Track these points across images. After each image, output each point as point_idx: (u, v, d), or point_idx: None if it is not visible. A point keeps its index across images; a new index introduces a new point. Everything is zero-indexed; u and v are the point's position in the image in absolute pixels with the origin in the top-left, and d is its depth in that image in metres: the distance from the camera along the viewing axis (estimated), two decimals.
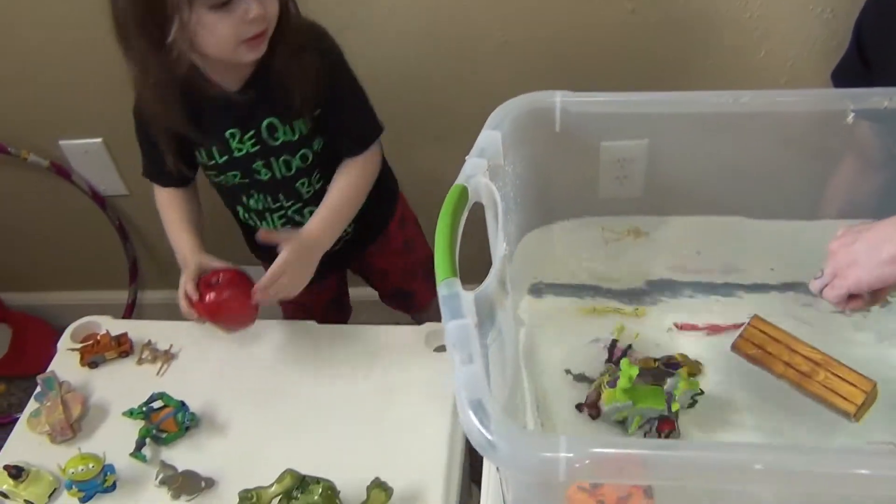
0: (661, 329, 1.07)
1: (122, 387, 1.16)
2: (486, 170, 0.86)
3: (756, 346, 0.97)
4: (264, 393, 1.15)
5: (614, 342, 1.04)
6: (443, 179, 0.86)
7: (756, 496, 0.72)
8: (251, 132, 1.13)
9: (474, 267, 0.84)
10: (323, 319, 1.25)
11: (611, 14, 1.36)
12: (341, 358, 1.18)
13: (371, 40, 1.39)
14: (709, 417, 0.95)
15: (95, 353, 1.20)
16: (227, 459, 1.07)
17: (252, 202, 1.23)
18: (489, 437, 0.64)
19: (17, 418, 1.15)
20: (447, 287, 0.75)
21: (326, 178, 1.20)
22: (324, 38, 1.13)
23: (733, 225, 1.11)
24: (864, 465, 0.62)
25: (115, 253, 1.82)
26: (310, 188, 1.21)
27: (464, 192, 0.84)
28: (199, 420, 1.11)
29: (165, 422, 1.08)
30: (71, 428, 1.10)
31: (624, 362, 0.93)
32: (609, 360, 1.02)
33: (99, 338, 1.21)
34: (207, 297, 1.12)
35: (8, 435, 1.14)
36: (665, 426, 0.93)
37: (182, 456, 1.07)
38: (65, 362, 1.21)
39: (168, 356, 1.20)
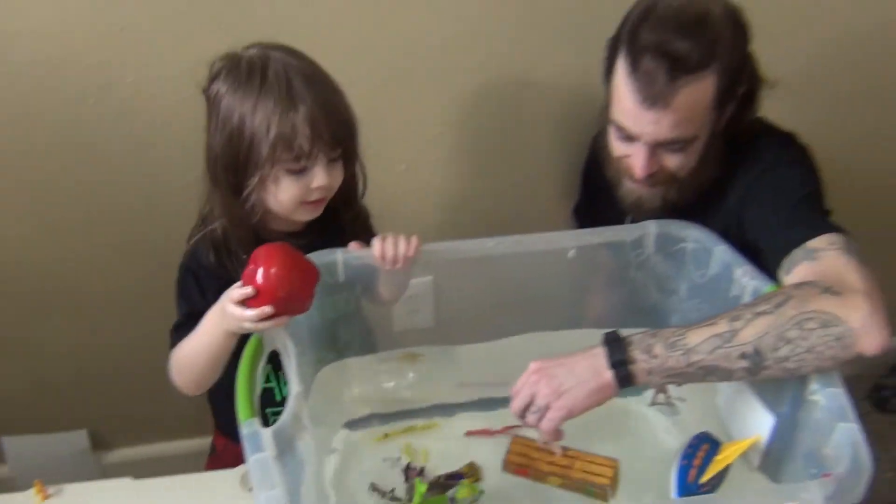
0: (454, 438, 1.23)
1: None
2: None
3: (522, 457, 1.15)
4: None
5: (409, 465, 1.19)
6: None
7: None
8: None
9: None
10: None
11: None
12: None
13: None
14: None
15: None
16: None
17: None
18: None
19: None
20: (248, 426, 0.87)
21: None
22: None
23: (514, 343, 1.28)
24: None
25: None
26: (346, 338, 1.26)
27: (259, 343, 0.99)
28: None
29: None
30: None
31: (416, 483, 1.11)
32: (406, 480, 1.17)
33: None
34: (264, 280, 0.99)
35: None
36: None
37: None
38: None
39: None
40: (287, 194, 1.11)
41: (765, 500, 0.86)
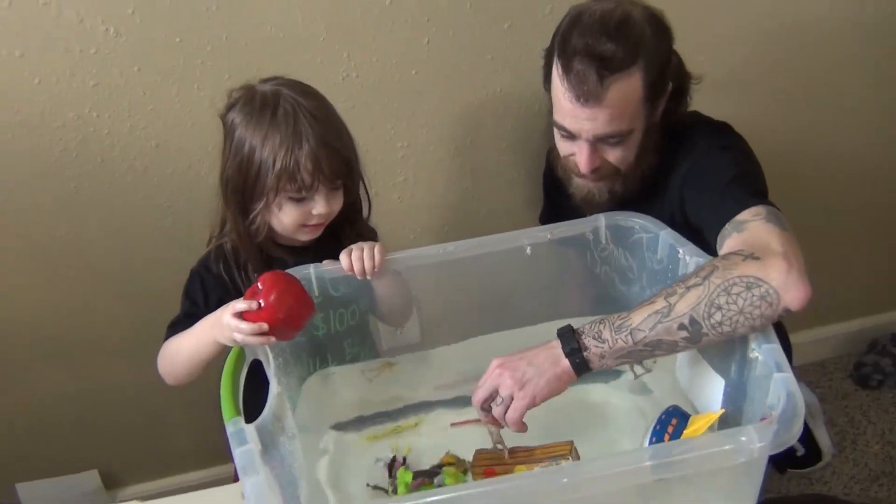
0: (440, 431, 1.30)
1: None
2: None
3: (487, 460, 1.17)
4: None
5: (393, 459, 1.25)
6: None
7: None
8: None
9: None
10: None
11: None
12: None
13: None
14: None
15: None
16: None
17: None
18: None
19: None
20: (233, 425, 0.95)
21: (361, 346, 1.34)
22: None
23: (486, 341, 1.35)
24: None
25: None
26: (351, 350, 1.34)
27: (241, 352, 1.07)
28: None
29: None
30: None
31: (400, 472, 1.17)
32: (390, 475, 1.23)
33: None
34: (266, 300, 1.09)
35: None
36: None
37: None
38: None
39: None
40: (289, 218, 1.23)
41: (705, 443, 0.92)
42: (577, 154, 1.27)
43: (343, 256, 1.22)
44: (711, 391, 1.13)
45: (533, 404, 1.08)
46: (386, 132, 1.61)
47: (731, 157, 1.25)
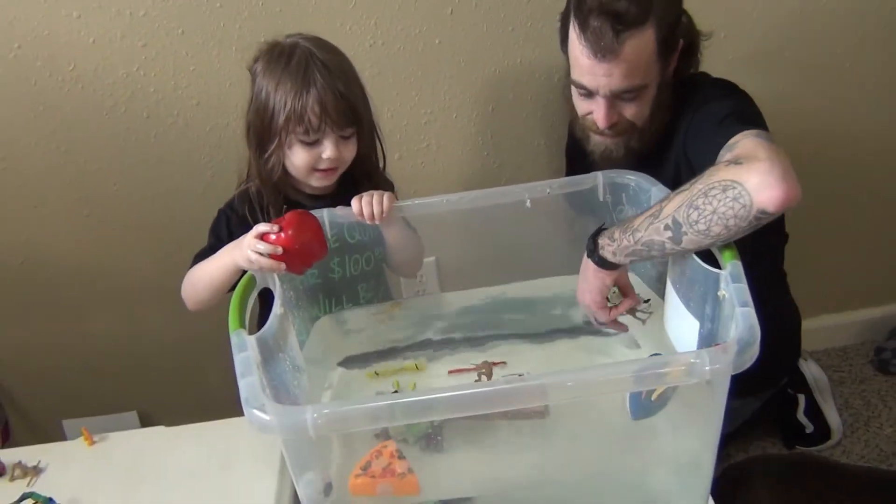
0: (438, 377, 1.37)
1: None
2: None
3: None
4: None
5: (395, 392, 1.34)
6: None
7: None
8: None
9: None
10: None
11: None
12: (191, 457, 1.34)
13: None
14: None
15: None
16: None
17: None
18: (265, 416, 0.92)
19: None
20: (237, 336, 1.05)
21: (375, 292, 1.47)
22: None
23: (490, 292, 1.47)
24: None
25: None
26: (365, 295, 1.46)
27: (252, 279, 1.18)
28: None
29: None
30: None
31: None
32: None
33: None
34: (286, 229, 1.21)
35: None
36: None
37: None
38: None
39: (37, 471, 1.40)
40: (300, 160, 1.34)
41: (659, 363, 0.97)
42: (595, 111, 1.36)
43: (354, 202, 1.32)
44: (690, 336, 1.18)
45: (598, 296, 1.29)
46: (410, 99, 1.71)
47: (729, 102, 1.32)
